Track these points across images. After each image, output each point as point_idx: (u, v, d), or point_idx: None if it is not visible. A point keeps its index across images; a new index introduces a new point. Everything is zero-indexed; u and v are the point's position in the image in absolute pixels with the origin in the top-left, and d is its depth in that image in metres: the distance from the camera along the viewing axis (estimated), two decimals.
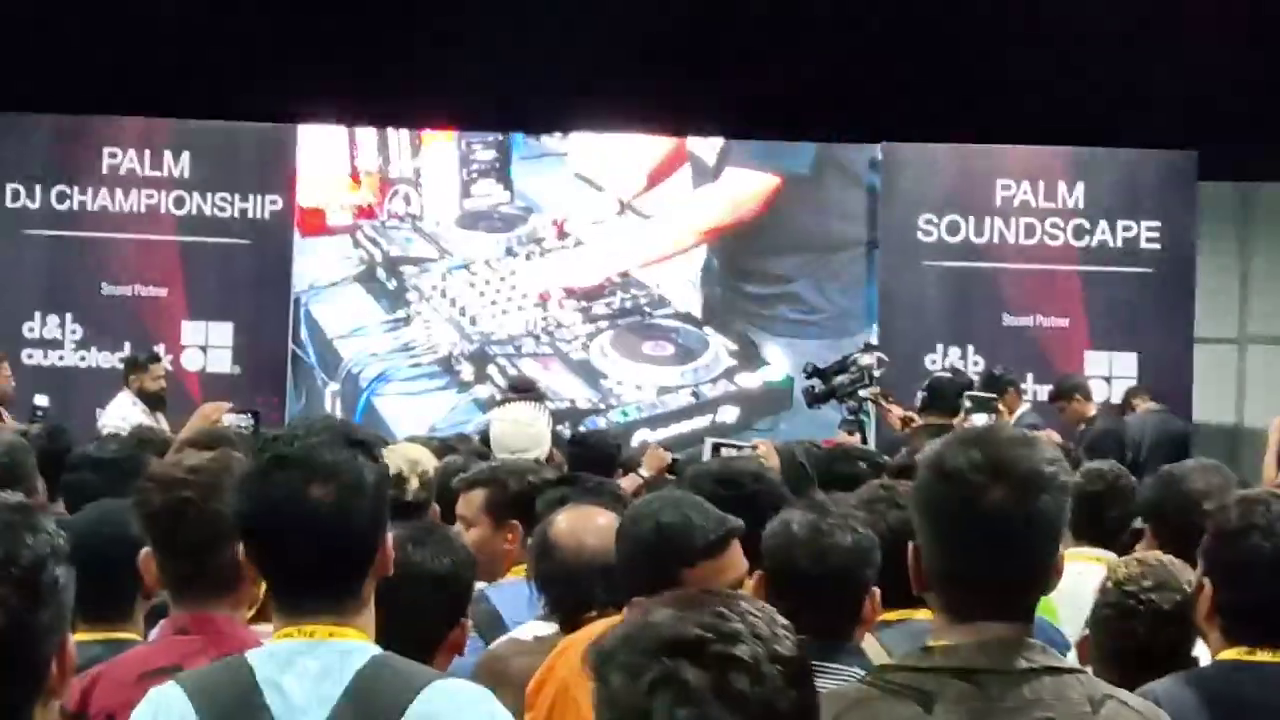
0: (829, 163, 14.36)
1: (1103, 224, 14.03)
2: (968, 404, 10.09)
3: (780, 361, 14.14)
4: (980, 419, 9.66)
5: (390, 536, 2.94)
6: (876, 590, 3.97)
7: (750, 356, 14.13)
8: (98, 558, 3.91)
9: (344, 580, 2.87)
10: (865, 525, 4.02)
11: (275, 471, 2.86)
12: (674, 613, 2.10)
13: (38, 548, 2.12)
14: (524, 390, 10.87)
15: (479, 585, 4.95)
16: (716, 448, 7.22)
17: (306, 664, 2.80)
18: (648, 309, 14.32)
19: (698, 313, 14.35)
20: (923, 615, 4.18)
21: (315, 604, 2.86)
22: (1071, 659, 3.58)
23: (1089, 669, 3.27)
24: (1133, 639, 3.96)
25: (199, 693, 2.81)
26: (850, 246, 14.34)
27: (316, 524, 2.82)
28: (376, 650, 2.86)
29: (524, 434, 7.69)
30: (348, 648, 2.82)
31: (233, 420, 8.32)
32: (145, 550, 3.71)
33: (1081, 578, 4.22)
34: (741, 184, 14.35)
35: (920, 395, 10.79)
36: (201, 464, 3.68)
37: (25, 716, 2.14)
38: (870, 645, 4.06)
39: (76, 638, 3.74)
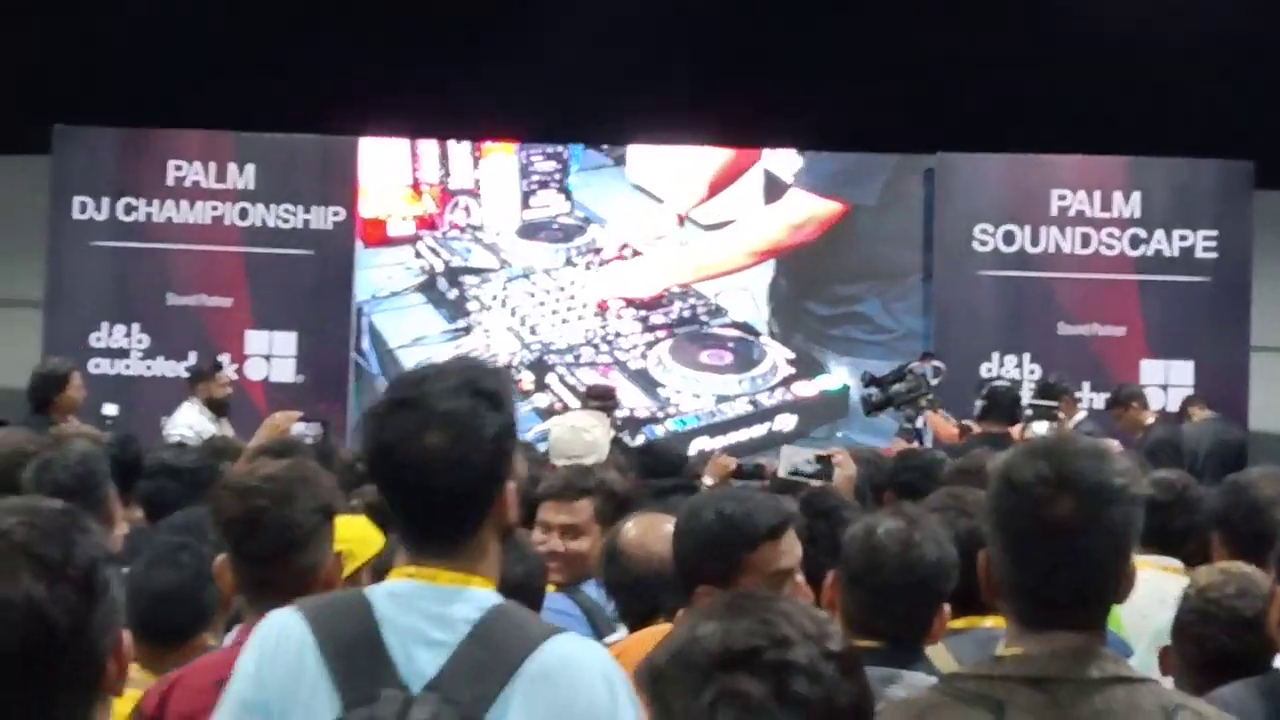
0: (894, 193, 14.38)
1: (1159, 233, 14.01)
2: (1029, 412, 10.12)
3: (842, 377, 14.19)
4: (1041, 427, 9.71)
5: (511, 487, 2.89)
6: (946, 607, 3.96)
7: (808, 365, 14.16)
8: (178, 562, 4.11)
9: (458, 527, 2.84)
10: (948, 540, 4.00)
11: (393, 414, 2.83)
12: (719, 625, 2.10)
13: (90, 548, 2.16)
14: (601, 398, 10.96)
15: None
16: (792, 457, 7.10)
17: (427, 607, 2.77)
18: (705, 318, 14.37)
19: (762, 328, 14.39)
20: (990, 623, 4.20)
21: (436, 547, 2.83)
22: (1143, 668, 3.60)
23: (1168, 679, 3.28)
24: (1214, 646, 3.97)
25: (319, 622, 2.78)
26: (913, 273, 14.39)
27: (429, 469, 2.78)
28: (498, 599, 2.83)
29: (580, 440, 7.74)
30: (469, 595, 2.80)
31: (301, 429, 8.41)
32: (221, 557, 3.77)
33: (1147, 586, 4.22)
34: (805, 207, 14.39)
35: (978, 404, 10.85)
36: (276, 472, 3.75)
37: (85, 713, 2.17)
38: (938, 653, 4.03)
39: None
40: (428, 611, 2.76)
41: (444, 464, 2.79)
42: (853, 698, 2.10)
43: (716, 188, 14.48)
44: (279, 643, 2.78)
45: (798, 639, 2.08)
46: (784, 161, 14.55)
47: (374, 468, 2.90)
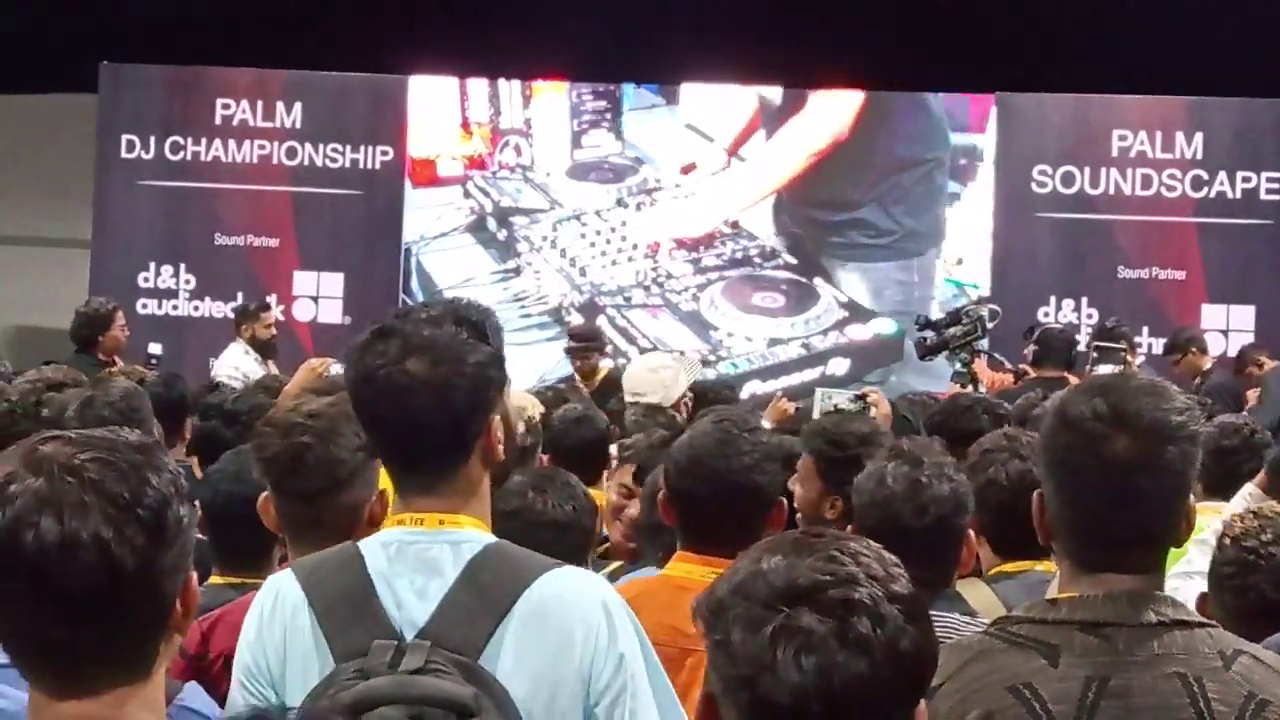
0: None
1: (1221, 174, 13.83)
2: (1094, 354, 10.00)
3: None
4: (1106, 370, 9.57)
5: (497, 420, 2.85)
6: (971, 533, 3.95)
7: (860, 309, 14.05)
8: (233, 505, 4.08)
9: (442, 458, 2.81)
10: (955, 470, 3.98)
11: (373, 343, 2.80)
12: (785, 560, 2.08)
13: (161, 487, 2.13)
14: (583, 338, 10.90)
15: None
16: (828, 397, 7.19)
17: (417, 553, 2.76)
18: (758, 260, 14.28)
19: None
20: (1042, 567, 4.15)
21: (424, 486, 2.81)
22: None
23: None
24: (1255, 595, 3.89)
25: (311, 581, 2.80)
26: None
27: (409, 396, 2.75)
28: (490, 539, 2.82)
29: (652, 379, 7.73)
30: (459, 537, 2.78)
31: (340, 371, 8.33)
32: (264, 494, 3.74)
33: (1212, 532, 4.16)
34: (832, 103, 14.28)
35: (1030, 350, 10.72)
36: (320, 409, 3.70)
37: (152, 652, 2.17)
38: (987, 597, 4.06)
39: (211, 581, 3.82)
40: (418, 557, 2.76)
41: (424, 391, 2.75)
42: (916, 643, 2.07)
43: (754, 126, 14.35)
44: (275, 606, 2.81)
45: (864, 579, 2.06)
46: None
47: (356, 399, 2.86)
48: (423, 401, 2.75)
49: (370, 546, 2.80)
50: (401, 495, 2.84)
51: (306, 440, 3.61)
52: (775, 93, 14.41)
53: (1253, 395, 11.44)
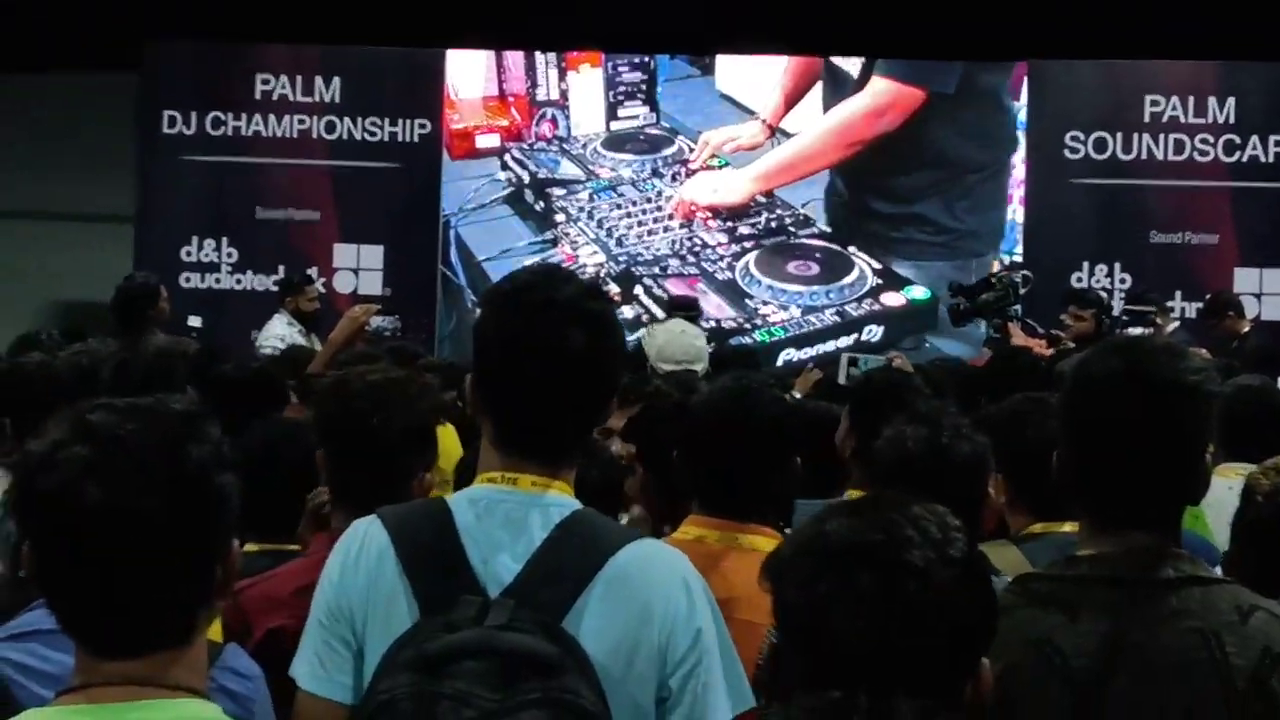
0: (973, 86, 14.21)
1: (1254, 139, 13.77)
2: (1125, 318, 10.04)
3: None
4: (1136, 333, 9.62)
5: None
6: (992, 492, 3.96)
7: (894, 276, 14.08)
8: (266, 472, 4.09)
9: (561, 428, 2.83)
10: (971, 430, 3.99)
11: (526, 308, 2.78)
12: (848, 521, 2.14)
13: (204, 456, 2.19)
14: (686, 308, 10.96)
15: None
16: (852, 362, 7.23)
17: (507, 512, 2.76)
18: (792, 229, 14.30)
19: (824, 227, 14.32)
20: (1069, 528, 4.19)
21: (529, 448, 2.80)
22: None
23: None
24: None
25: (398, 530, 2.77)
26: (981, 167, 14.22)
27: (566, 367, 2.75)
28: (577, 504, 2.80)
29: (692, 346, 7.75)
30: (549, 501, 2.77)
31: (379, 322, 8.45)
32: (320, 452, 3.81)
33: (1233, 493, 4.12)
34: (887, 94, 14.27)
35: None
36: (379, 379, 3.77)
37: (194, 619, 2.23)
38: (1014, 558, 4.04)
39: (245, 549, 3.90)
40: (508, 517, 2.75)
41: (580, 363, 2.76)
42: (967, 605, 2.13)
43: (793, 97, 14.36)
44: (361, 550, 2.78)
45: (919, 541, 2.11)
46: (841, 60, 14.39)
47: (493, 358, 2.82)
48: (576, 373, 2.76)
49: (459, 502, 2.80)
50: (501, 449, 2.82)
51: (363, 407, 3.67)
52: (852, 64, 14.32)
53: None
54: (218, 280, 14.17)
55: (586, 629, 2.66)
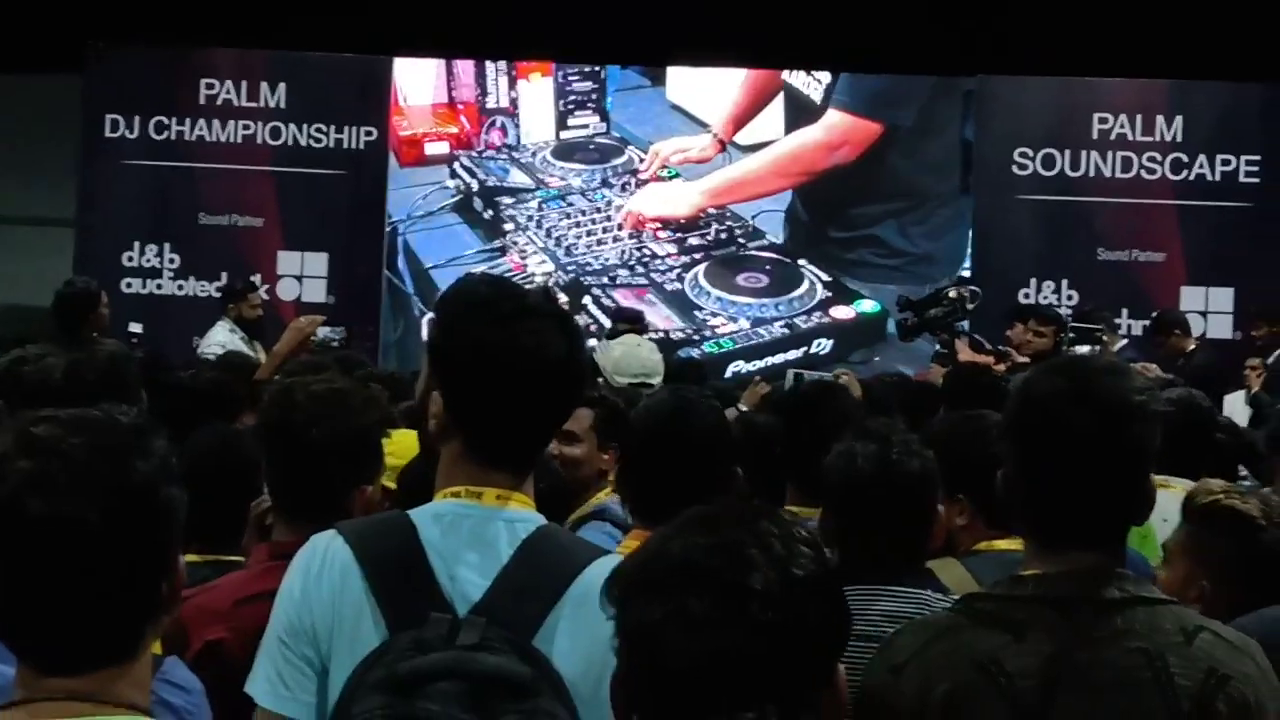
0: (932, 117, 14.22)
1: (1201, 157, 13.85)
2: (1071, 335, 10.04)
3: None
4: (1083, 350, 9.62)
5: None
6: (941, 509, 3.93)
7: (843, 289, 14.09)
8: (209, 482, 3.96)
9: (530, 441, 2.82)
10: (921, 446, 3.95)
11: (506, 317, 2.72)
12: (690, 538, 2.06)
13: (150, 469, 2.16)
14: (631, 320, 10.93)
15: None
16: (798, 377, 7.24)
17: (472, 528, 2.73)
18: (742, 240, 14.31)
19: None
20: (1004, 545, 4.16)
21: (495, 459, 2.77)
22: None
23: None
24: None
25: (362, 544, 2.73)
26: (939, 195, 14.24)
27: (540, 381, 2.73)
28: (542, 520, 2.79)
29: (649, 360, 7.72)
30: (512, 515, 2.74)
31: (325, 333, 8.40)
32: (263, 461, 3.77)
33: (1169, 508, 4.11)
34: (843, 126, 14.26)
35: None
36: (322, 390, 3.72)
37: (139, 634, 2.20)
38: (959, 574, 4.04)
39: (187, 559, 3.82)
40: (473, 532, 2.71)
41: (561, 370, 2.74)
42: (814, 622, 2.04)
43: (751, 109, 14.36)
44: (324, 566, 2.73)
45: (760, 563, 2.03)
46: (804, 83, 14.39)
47: (469, 369, 2.74)
48: (555, 380, 2.74)
49: (422, 517, 2.75)
50: (472, 460, 2.77)
51: (306, 419, 3.62)
52: (815, 89, 14.32)
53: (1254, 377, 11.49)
54: (159, 286, 14.10)
55: (558, 649, 2.64)
